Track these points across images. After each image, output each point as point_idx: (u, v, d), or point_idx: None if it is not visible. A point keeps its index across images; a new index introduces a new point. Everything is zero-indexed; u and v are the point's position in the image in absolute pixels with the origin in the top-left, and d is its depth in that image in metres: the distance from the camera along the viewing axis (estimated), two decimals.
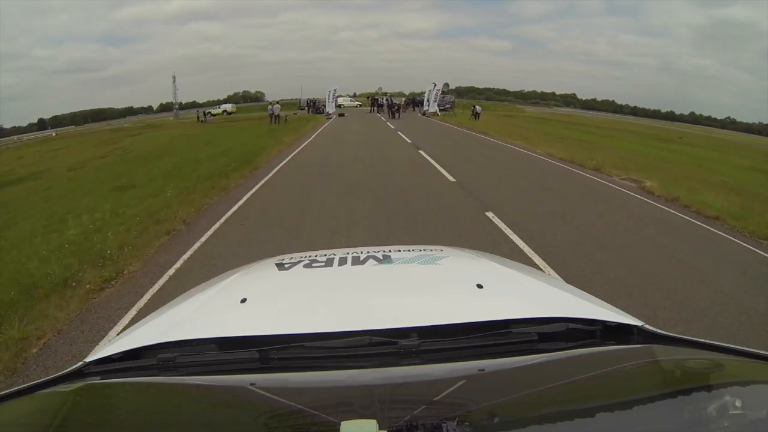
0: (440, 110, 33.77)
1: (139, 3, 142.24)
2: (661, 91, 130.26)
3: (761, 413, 0.62)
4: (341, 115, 33.49)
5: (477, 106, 29.03)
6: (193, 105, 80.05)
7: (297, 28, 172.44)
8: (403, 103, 32.37)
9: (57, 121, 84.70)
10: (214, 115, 49.58)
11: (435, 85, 40.97)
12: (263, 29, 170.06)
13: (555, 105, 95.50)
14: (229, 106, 52.45)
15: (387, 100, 33.17)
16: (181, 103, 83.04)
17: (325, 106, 34.24)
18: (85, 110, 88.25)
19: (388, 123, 24.89)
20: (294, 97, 49.62)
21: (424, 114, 33.45)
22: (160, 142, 22.89)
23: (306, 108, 40.59)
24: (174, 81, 64.20)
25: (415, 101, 40.12)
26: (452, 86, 36.57)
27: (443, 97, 36.34)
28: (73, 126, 72.24)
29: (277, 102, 29.23)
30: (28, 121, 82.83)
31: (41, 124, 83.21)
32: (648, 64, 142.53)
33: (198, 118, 42.09)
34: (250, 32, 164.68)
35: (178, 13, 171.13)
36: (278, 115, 28.55)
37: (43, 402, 0.78)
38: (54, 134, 52.34)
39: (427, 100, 34.56)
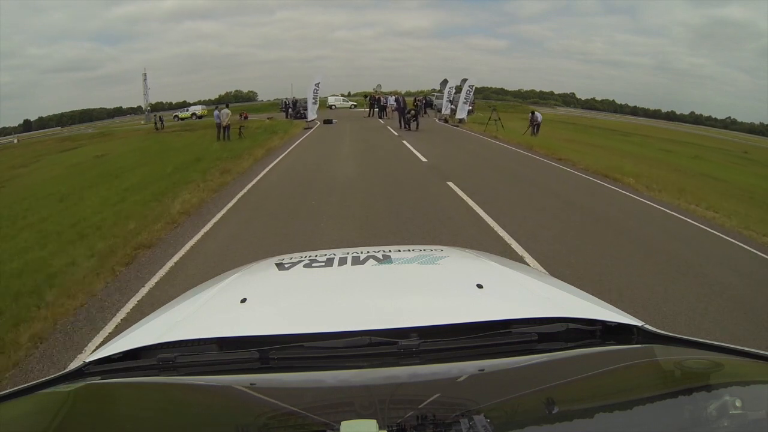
0: (450, 111, 22.36)
1: (134, 1, 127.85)
2: (658, 90, 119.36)
3: (761, 413, 0.58)
4: (328, 122, 21.50)
5: (537, 113, 17.27)
6: (183, 105, 75.12)
7: (293, 26, 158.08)
8: (417, 104, 20.04)
9: (43, 122, 77.52)
10: (182, 118, 39.40)
11: (441, 84, 29.31)
12: (260, 28, 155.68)
13: (555, 104, 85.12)
14: (198, 109, 41.25)
15: (397, 101, 20.00)
16: (171, 103, 74.78)
17: (305, 109, 21.72)
18: (74, 111, 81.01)
19: (407, 144, 13.02)
20: (286, 97, 37.31)
21: (445, 121, 21.62)
22: (54, 173, 15.72)
23: (284, 111, 28.36)
24: (145, 80, 52.14)
25: (427, 102, 28.19)
26: (450, 85, 24.91)
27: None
28: (60, 127, 64.12)
29: (226, 106, 17.40)
30: (18, 122, 74.75)
31: (27, 125, 74.60)
32: (645, 63, 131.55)
33: (155, 124, 31.90)
34: (246, 31, 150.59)
35: (174, 12, 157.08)
36: (227, 126, 16.80)
37: (43, 402, 0.72)
38: (16, 140, 44.38)
39: (449, 101, 22.76)
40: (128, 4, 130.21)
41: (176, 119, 39.10)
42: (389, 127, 18.12)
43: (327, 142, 14.41)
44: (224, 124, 16.73)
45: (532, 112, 17.63)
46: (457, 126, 19.96)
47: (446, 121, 21.82)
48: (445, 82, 34.40)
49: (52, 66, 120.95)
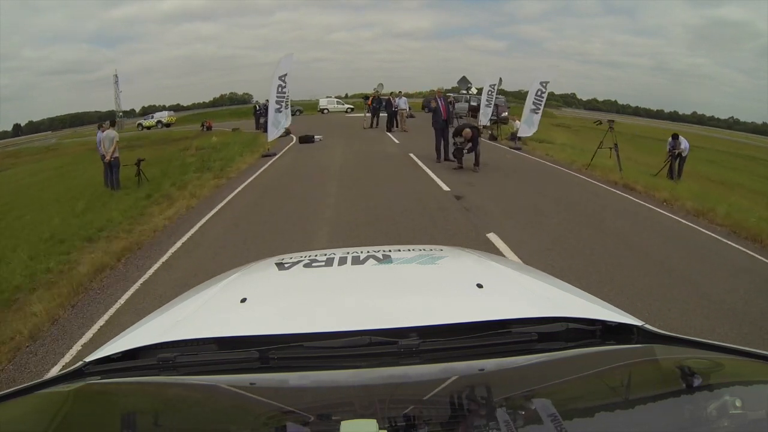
0: (491, 122, 14.47)
1: (131, 2, 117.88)
2: (658, 91, 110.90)
3: (761, 413, 0.56)
4: (308, 140, 12.96)
5: (683, 139, 9.06)
6: (177, 108, 68.67)
7: (291, 28, 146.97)
8: (451, 105, 10.68)
9: (34, 126, 69.31)
10: (146, 127, 31.08)
11: (460, 82, 20.83)
12: (258, 29, 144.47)
13: (558, 105, 77.31)
14: (165, 116, 32.35)
15: (436, 110, 9.02)
16: (164, 105, 66.83)
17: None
18: (66, 114, 72.59)
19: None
20: (257, 100, 28.57)
21: (492, 138, 13.24)
22: None
23: (255, 117, 19.40)
24: (116, 82, 43.29)
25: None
26: (448, 86, 17.12)
27: (497, 98, 16.14)
28: (51, 131, 57.86)
29: (111, 125, 8.78)
30: (11, 125, 67.50)
31: (17, 130, 67.34)
32: (644, 64, 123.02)
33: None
34: (245, 32, 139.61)
35: (172, 13, 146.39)
36: (114, 162, 8.02)
37: (43, 402, 0.69)
38: None
39: (488, 101, 14.48)
40: (126, 6, 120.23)
41: (140, 128, 30.64)
42: (414, 157, 9.63)
43: (284, 213, 5.65)
44: (108, 157, 8.28)
45: (674, 136, 9.25)
46: (519, 149, 11.55)
47: (494, 137, 13.42)
48: (464, 80, 25.59)
49: (48, 68, 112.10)
